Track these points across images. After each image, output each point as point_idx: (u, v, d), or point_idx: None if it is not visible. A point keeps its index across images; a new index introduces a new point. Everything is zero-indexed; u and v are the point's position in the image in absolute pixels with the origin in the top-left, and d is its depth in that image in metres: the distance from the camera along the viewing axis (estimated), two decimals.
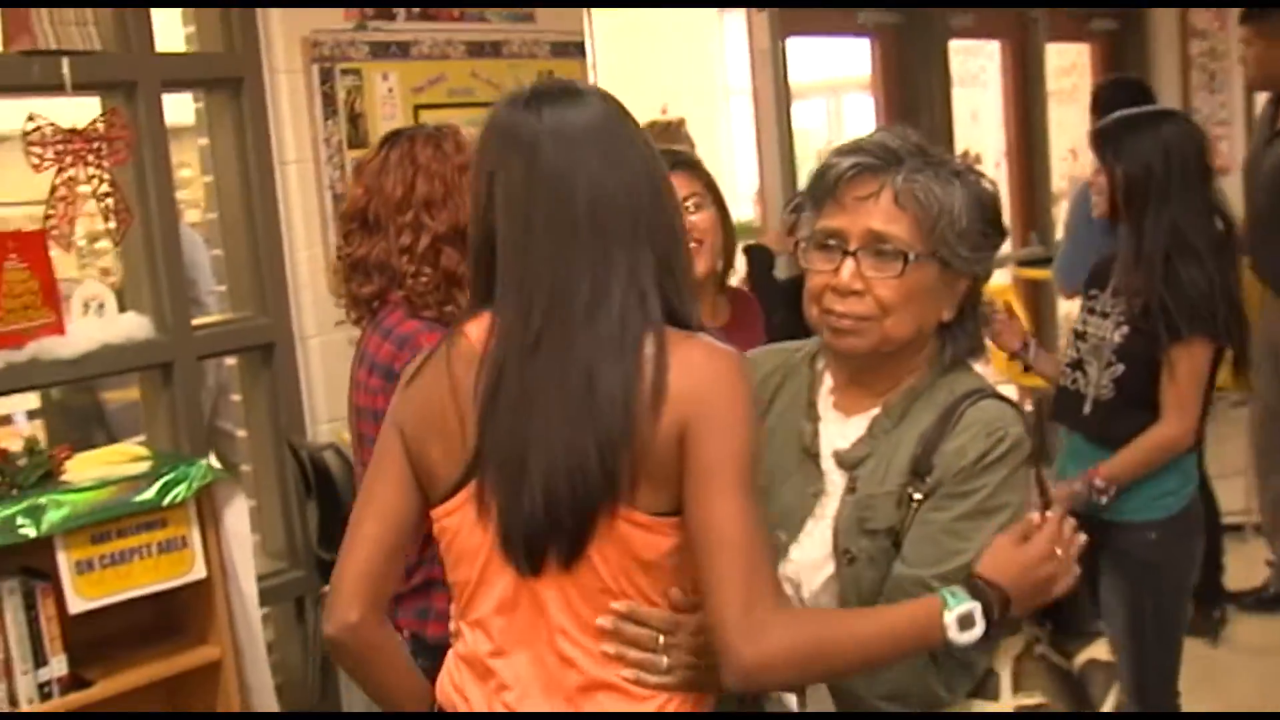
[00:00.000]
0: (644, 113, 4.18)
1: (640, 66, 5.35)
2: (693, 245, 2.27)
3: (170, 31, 3.21)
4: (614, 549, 1.40)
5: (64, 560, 2.48)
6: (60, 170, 2.82)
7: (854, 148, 1.59)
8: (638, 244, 1.40)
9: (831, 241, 1.57)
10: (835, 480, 1.61)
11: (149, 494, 2.58)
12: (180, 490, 2.60)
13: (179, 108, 3.35)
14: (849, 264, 1.55)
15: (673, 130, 4.05)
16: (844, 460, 1.60)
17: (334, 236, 2.89)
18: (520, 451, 1.39)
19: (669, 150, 2.30)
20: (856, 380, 1.63)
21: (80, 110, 2.89)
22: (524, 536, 1.40)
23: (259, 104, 3.18)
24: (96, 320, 2.96)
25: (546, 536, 1.39)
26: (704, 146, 4.72)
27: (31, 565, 2.54)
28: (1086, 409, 2.66)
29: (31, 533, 2.41)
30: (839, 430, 1.63)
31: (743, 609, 1.32)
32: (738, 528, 1.34)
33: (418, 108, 3.48)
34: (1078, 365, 2.71)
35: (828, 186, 1.58)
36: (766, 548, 1.40)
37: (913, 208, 1.54)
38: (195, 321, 3.17)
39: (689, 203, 2.34)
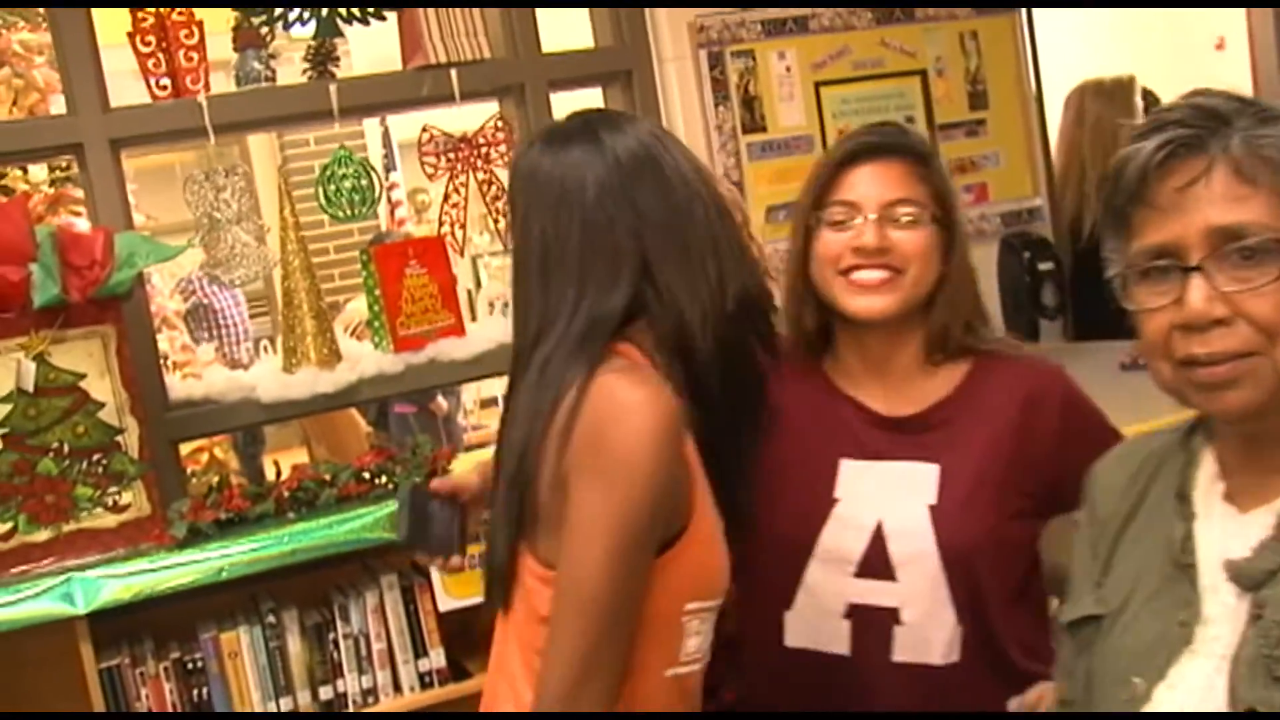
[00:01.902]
0: (1095, 71, 3.67)
1: (1096, 16, 4.74)
2: (877, 276, 1.63)
3: (577, 28, 3.24)
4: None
5: None
6: (451, 177, 2.93)
7: (1155, 123, 1.14)
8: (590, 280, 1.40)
9: (1160, 262, 1.12)
10: (1224, 602, 1.14)
11: None
12: None
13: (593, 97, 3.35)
14: (1197, 284, 1.09)
15: (1123, 90, 3.43)
16: (1242, 575, 1.12)
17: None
18: None
19: (874, 130, 1.73)
20: (1253, 456, 1.16)
21: (469, 117, 2.99)
22: None
23: (650, 95, 3.13)
24: (502, 321, 3.06)
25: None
26: None
27: (419, 562, 2.67)
28: None
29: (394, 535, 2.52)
30: (1232, 531, 1.16)
31: (568, 687, 1.31)
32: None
33: (819, 85, 3.28)
34: None
35: (1129, 188, 1.14)
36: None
37: (1268, 176, 1.09)
38: None
39: (897, 211, 1.62)
